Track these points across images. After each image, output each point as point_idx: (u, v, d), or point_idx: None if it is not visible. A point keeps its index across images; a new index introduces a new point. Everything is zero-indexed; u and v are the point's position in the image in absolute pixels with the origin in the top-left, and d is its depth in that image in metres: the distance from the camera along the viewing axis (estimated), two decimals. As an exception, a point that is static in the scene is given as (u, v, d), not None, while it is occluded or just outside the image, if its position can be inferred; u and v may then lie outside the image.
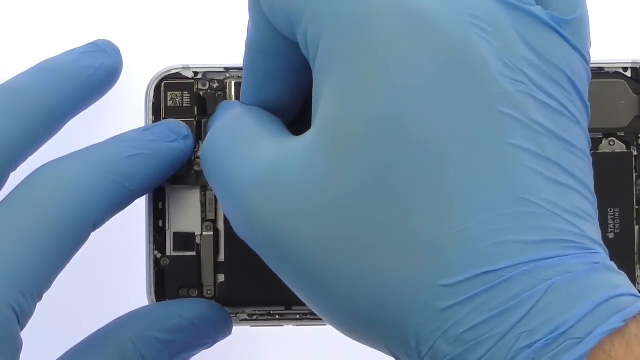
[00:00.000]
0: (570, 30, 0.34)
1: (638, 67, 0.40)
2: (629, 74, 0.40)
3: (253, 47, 0.37)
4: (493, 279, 0.30)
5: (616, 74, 0.40)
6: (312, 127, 0.34)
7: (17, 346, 0.35)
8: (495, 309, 0.30)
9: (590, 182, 0.33)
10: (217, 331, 0.39)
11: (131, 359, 0.37)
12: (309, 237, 0.32)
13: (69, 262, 0.36)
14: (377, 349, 0.33)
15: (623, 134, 0.40)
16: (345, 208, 0.32)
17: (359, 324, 0.32)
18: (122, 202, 0.37)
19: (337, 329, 0.33)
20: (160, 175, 0.38)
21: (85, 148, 0.38)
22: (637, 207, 0.40)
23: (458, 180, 0.31)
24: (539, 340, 0.30)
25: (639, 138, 0.40)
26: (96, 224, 0.37)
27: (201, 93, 0.40)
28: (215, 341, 0.39)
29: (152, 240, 0.40)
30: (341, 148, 0.32)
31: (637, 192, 0.40)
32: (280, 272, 0.34)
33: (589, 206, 0.32)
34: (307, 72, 0.36)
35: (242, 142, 0.35)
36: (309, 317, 0.40)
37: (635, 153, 0.40)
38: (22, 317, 0.35)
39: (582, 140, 0.33)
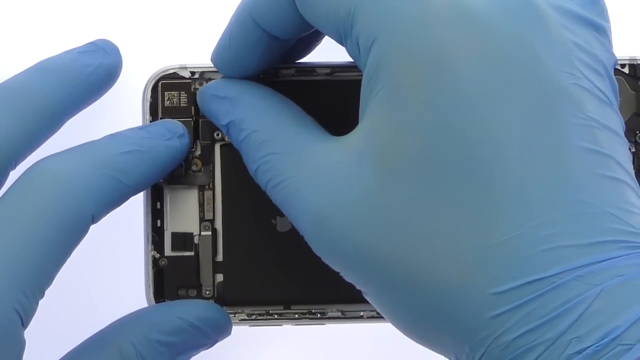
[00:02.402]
0: (596, 13, 0.34)
1: (635, 63, 0.39)
2: (626, 70, 0.39)
3: (253, 15, 0.37)
4: (544, 285, 0.31)
5: (614, 71, 0.39)
6: (357, 131, 0.34)
7: (20, 347, 0.35)
8: (545, 316, 0.30)
9: (632, 169, 0.33)
10: (216, 332, 0.39)
11: None
12: (367, 249, 0.33)
13: (69, 256, 0.36)
14: (443, 354, 0.33)
15: (621, 131, 0.39)
16: (395, 221, 0.32)
17: (421, 329, 0.33)
18: (118, 197, 0.37)
19: (405, 333, 0.34)
20: (155, 173, 0.38)
21: (81, 144, 0.38)
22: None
23: (513, 186, 0.31)
24: (590, 346, 0.30)
25: (636, 135, 0.40)
26: (95, 217, 0.37)
27: (198, 93, 0.40)
28: (215, 342, 0.39)
29: (150, 240, 0.40)
30: (390, 163, 0.33)
31: (636, 189, 0.40)
32: (355, 283, 0.35)
33: (636, 197, 0.32)
34: (283, 45, 0.37)
35: (291, 161, 0.36)
36: (308, 316, 0.40)
37: (633, 149, 0.40)
38: (25, 316, 0.35)
39: (620, 126, 0.33)
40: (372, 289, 0.34)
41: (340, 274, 0.35)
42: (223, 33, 0.38)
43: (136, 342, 0.37)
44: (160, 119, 0.40)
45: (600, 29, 0.34)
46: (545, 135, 0.32)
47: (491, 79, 0.32)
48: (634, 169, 0.39)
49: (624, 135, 0.33)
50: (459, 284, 0.31)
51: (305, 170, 0.35)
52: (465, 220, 0.31)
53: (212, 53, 0.39)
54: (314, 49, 0.40)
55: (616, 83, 0.34)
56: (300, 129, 0.36)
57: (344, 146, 0.34)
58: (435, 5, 0.33)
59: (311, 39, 0.39)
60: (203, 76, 0.40)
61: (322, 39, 0.39)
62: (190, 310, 0.39)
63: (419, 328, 0.33)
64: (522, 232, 0.31)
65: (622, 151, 0.33)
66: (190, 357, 0.39)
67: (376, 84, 0.33)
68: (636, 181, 0.33)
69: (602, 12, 0.35)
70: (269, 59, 0.38)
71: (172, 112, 0.40)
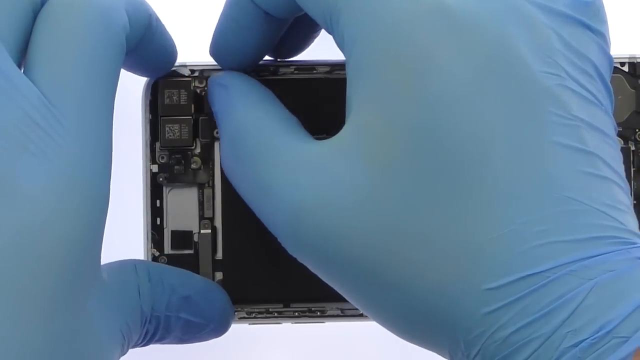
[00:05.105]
0: (590, 14, 0.34)
1: (635, 61, 0.40)
2: (626, 68, 0.40)
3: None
4: (538, 280, 0.31)
5: (613, 69, 0.39)
6: (344, 130, 0.34)
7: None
8: (540, 310, 0.30)
9: (622, 169, 0.33)
10: (213, 309, 0.38)
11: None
12: (356, 249, 0.33)
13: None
14: (436, 351, 0.33)
15: (621, 129, 0.40)
16: (388, 220, 0.32)
17: (414, 328, 0.33)
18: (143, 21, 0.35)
19: (394, 332, 0.34)
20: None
21: None
22: (635, 202, 0.39)
23: (501, 183, 0.31)
24: (585, 339, 0.30)
25: (636, 133, 0.40)
26: (127, 36, 0.34)
27: (198, 91, 0.40)
28: (212, 319, 0.38)
29: (150, 238, 0.40)
30: (381, 161, 0.32)
31: (636, 187, 0.40)
32: (336, 284, 0.34)
33: (625, 196, 0.33)
34: (280, 25, 0.37)
35: (269, 155, 0.35)
36: (307, 314, 0.40)
37: (633, 148, 0.40)
38: None
39: (611, 127, 0.33)
40: (358, 290, 0.33)
41: (319, 276, 0.34)
42: (219, 17, 0.38)
43: (152, 270, 0.37)
44: (161, 117, 0.40)
45: (594, 29, 0.34)
46: (528, 133, 0.32)
47: (475, 78, 0.32)
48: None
49: (614, 136, 0.33)
50: (452, 281, 0.31)
51: (282, 166, 0.34)
52: (456, 217, 0.31)
53: (211, 41, 0.38)
54: (312, 40, 0.40)
55: (609, 85, 0.34)
56: (281, 127, 0.36)
57: (329, 144, 0.34)
58: (420, 4, 0.33)
59: (308, 29, 0.39)
60: (203, 74, 0.40)
61: (319, 29, 0.39)
62: (190, 282, 0.38)
63: (411, 327, 0.33)
64: (512, 229, 0.31)
65: (610, 150, 0.33)
66: (180, 334, 0.37)
67: (361, 80, 0.33)
68: (626, 181, 0.33)
69: (596, 12, 0.34)
70: (268, 40, 0.38)
71: (172, 110, 0.40)
